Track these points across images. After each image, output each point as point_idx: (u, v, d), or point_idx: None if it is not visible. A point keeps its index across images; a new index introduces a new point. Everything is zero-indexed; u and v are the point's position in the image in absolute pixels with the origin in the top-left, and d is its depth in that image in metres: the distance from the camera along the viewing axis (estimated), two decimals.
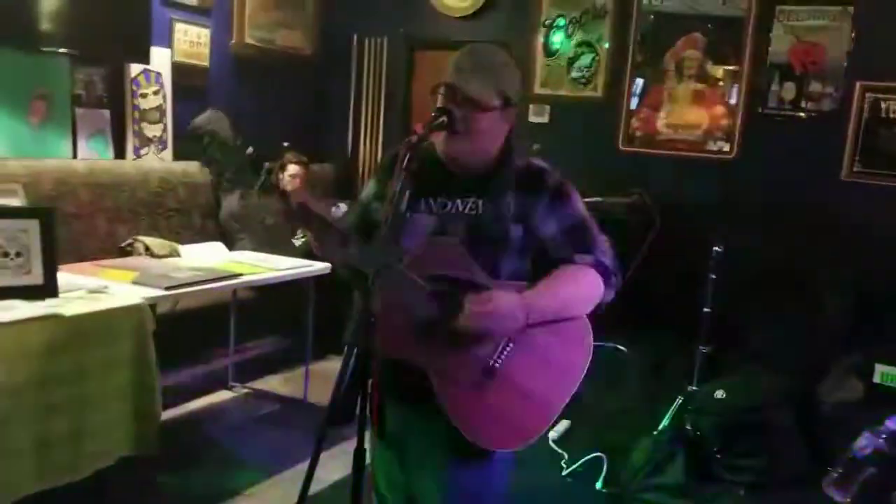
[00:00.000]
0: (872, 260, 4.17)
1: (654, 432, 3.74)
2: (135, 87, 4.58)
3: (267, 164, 1.97)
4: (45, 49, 4.02)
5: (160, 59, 4.67)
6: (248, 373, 4.63)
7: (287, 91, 5.58)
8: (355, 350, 1.66)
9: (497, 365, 1.82)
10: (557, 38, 5.16)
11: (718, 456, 3.53)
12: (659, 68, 4.90)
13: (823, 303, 4.12)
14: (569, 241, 1.88)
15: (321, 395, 4.36)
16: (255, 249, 4.56)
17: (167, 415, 3.34)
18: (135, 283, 3.33)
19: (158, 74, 4.69)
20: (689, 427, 3.70)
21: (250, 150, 1.93)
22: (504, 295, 1.79)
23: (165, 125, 4.78)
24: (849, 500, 2.62)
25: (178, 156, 4.85)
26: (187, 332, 4.09)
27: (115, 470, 2.99)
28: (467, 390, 1.83)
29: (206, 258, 4.09)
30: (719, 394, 3.69)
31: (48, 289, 2.91)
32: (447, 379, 1.84)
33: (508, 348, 1.83)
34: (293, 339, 4.78)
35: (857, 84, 4.39)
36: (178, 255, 4.13)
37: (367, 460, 1.76)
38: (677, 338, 4.14)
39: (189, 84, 4.91)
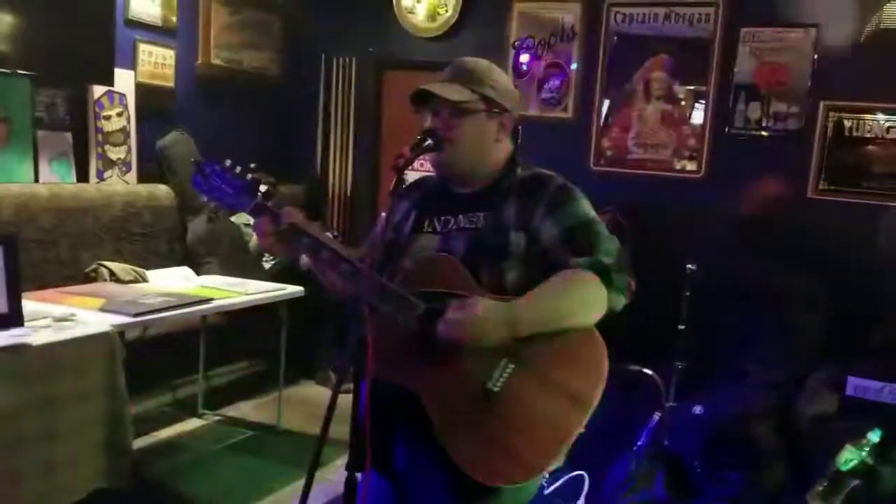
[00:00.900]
0: (842, 274, 4.23)
1: (634, 449, 3.74)
2: (98, 109, 4.49)
3: (263, 187, 1.91)
4: (4, 71, 3.92)
5: (124, 80, 4.58)
6: (219, 400, 4.54)
7: (255, 112, 5.53)
8: (360, 383, 1.59)
9: (495, 388, 1.70)
10: (527, 59, 5.18)
11: (698, 471, 3.53)
12: (627, 89, 4.95)
13: (796, 318, 4.16)
14: (568, 244, 1.77)
15: (295, 420, 4.29)
16: (222, 273, 4.48)
17: (137, 444, 3.25)
18: (102, 310, 3.25)
19: (122, 96, 4.61)
20: (667, 443, 3.70)
21: (239, 168, 1.88)
22: (484, 301, 1.70)
23: (130, 147, 4.69)
24: None
25: (142, 178, 4.76)
26: (156, 359, 4.01)
27: (86, 503, 2.89)
28: (463, 416, 1.71)
29: (174, 283, 4.01)
30: (697, 409, 3.70)
31: (13, 318, 2.83)
32: (442, 403, 1.73)
33: (508, 369, 1.71)
34: (265, 364, 4.71)
35: (821, 104, 4.46)
36: (144, 280, 4.05)
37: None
38: (653, 354, 4.14)
39: (154, 105, 4.83)
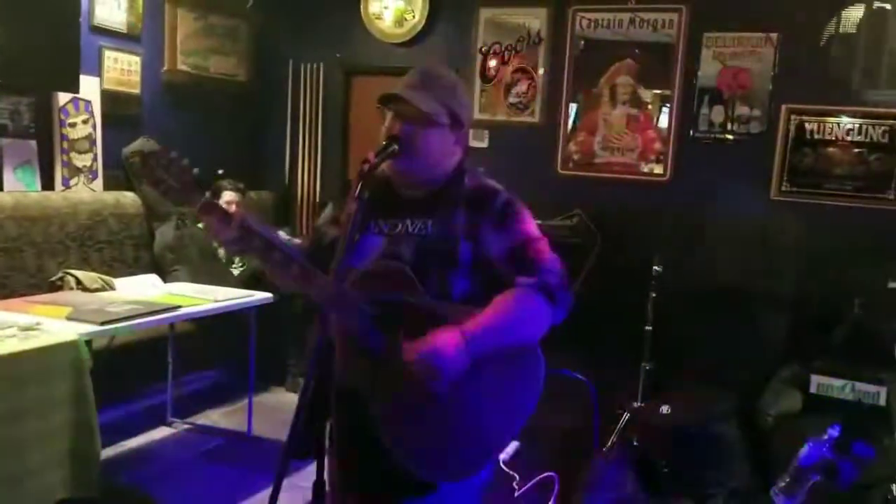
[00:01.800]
0: (804, 275, 4.32)
1: (603, 449, 3.78)
2: (63, 116, 4.45)
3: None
4: None
5: (90, 87, 4.55)
6: (188, 407, 4.51)
7: (222, 118, 5.51)
8: (312, 379, 1.63)
9: (442, 391, 1.76)
10: (494, 65, 5.22)
11: (666, 470, 3.58)
12: (594, 93, 5.00)
13: (760, 318, 4.24)
14: (513, 262, 1.82)
15: (266, 427, 4.27)
16: (191, 280, 4.46)
17: (105, 453, 3.21)
18: (69, 318, 3.23)
19: (88, 103, 4.57)
20: (636, 443, 3.75)
21: (196, 170, 1.86)
22: (441, 335, 1.73)
23: (96, 155, 4.65)
24: None
25: (109, 186, 4.72)
26: (123, 368, 3.97)
27: None
28: (407, 415, 1.79)
29: (141, 291, 3.98)
30: (664, 409, 3.75)
31: None
32: (387, 403, 1.80)
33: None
34: (234, 371, 4.68)
35: (783, 107, 4.55)
36: (111, 288, 4.02)
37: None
38: (620, 355, 4.20)
39: (120, 112, 4.80)
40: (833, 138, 4.49)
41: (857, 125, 4.43)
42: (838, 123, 4.46)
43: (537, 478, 3.64)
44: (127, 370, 4.05)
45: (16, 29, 4.00)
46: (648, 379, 4.04)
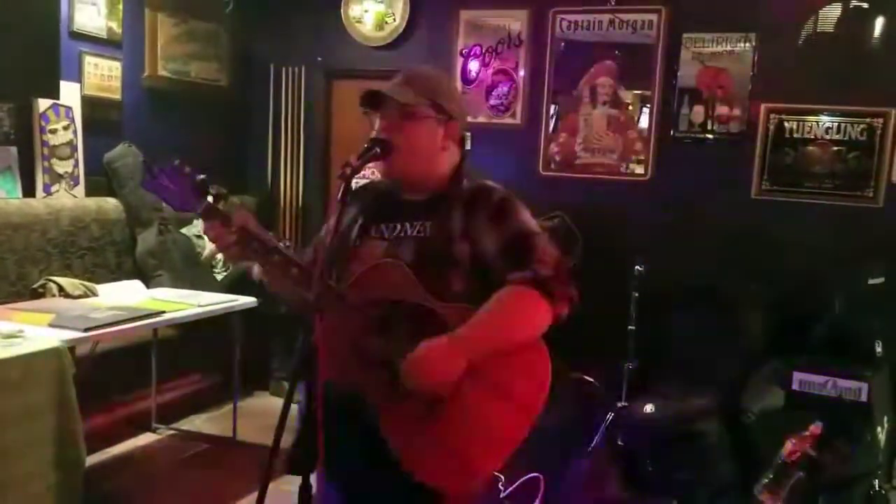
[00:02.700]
0: (785, 273, 4.35)
1: (588, 449, 3.80)
2: (43, 123, 4.42)
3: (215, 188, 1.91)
4: None
5: (70, 93, 4.52)
6: (172, 413, 4.49)
7: (204, 123, 5.49)
8: (304, 389, 1.62)
9: (444, 394, 1.74)
10: (474, 67, 5.24)
11: (651, 469, 3.60)
12: (574, 95, 5.03)
13: (742, 316, 4.27)
14: (507, 257, 1.80)
15: (250, 432, 4.26)
16: (174, 285, 4.45)
17: (89, 461, 3.19)
18: (51, 325, 3.21)
19: (69, 109, 4.54)
20: (620, 442, 3.77)
21: (202, 176, 1.89)
22: (432, 344, 1.73)
23: (77, 161, 4.63)
24: None
25: (90, 192, 4.70)
26: (107, 374, 3.95)
27: None
28: (411, 419, 1.76)
29: (124, 297, 3.97)
30: (648, 408, 3.78)
31: None
32: (390, 406, 1.78)
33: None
34: (219, 377, 4.67)
35: (762, 106, 4.59)
36: (94, 294, 4.01)
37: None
38: (604, 355, 4.21)
39: (101, 118, 4.77)
40: (812, 137, 4.53)
41: (835, 124, 4.47)
42: (817, 122, 4.51)
43: (522, 479, 3.65)
44: (110, 376, 4.03)
45: None
46: (632, 378, 4.06)
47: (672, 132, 4.83)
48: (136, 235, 4.76)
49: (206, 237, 4.82)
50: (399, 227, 1.89)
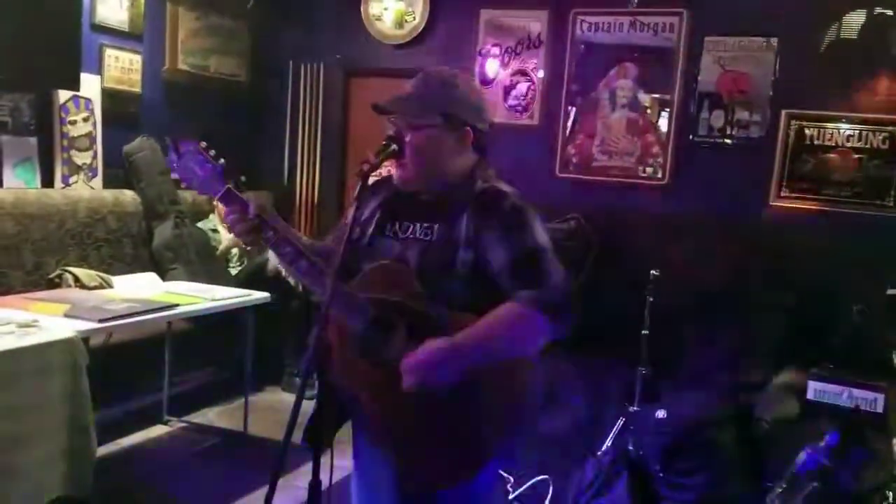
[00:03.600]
0: (802, 280, 4.31)
1: (598, 453, 3.77)
2: (63, 114, 4.45)
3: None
4: None
5: (90, 85, 4.55)
6: (184, 406, 4.50)
7: (221, 117, 5.50)
8: (316, 377, 1.64)
9: (435, 395, 1.76)
10: (493, 67, 5.22)
11: (661, 475, 3.57)
12: (593, 97, 5.00)
13: (758, 323, 4.23)
14: (515, 274, 1.77)
15: (262, 427, 4.27)
16: (188, 279, 4.46)
17: (100, 452, 3.21)
18: (66, 316, 3.23)
19: (88, 101, 4.57)
20: (631, 447, 3.74)
21: (222, 161, 1.95)
22: (431, 348, 1.73)
23: (95, 152, 4.65)
24: None
25: (108, 184, 4.72)
26: (120, 366, 3.96)
27: None
28: (400, 420, 1.80)
29: (139, 289, 3.99)
30: (660, 414, 3.75)
31: None
32: (382, 406, 1.82)
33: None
34: (231, 370, 4.68)
35: (783, 112, 4.55)
36: (109, 286, 4.02)
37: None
38: (617, 360, 4.19)
39: (120, 111, 4.80)
40: (833, 144, 4.49)
41: (856, 131, 4.43)
42: (838, 129, 4.47)
43: (531, 481, 3.64)
44: (124, 368, 4.04)
45: (17, 27, 4.00)
46: (644, 383, 4.03)
47: (691, 136, 4.80)
48: (153, 228, 4.78)
49: (220, 229, 4.87)
50: (410, 227, 1.89)
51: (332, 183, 5.82)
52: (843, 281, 4.24)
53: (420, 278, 1.80)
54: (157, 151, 4.85)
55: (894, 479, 3.18)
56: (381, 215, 1.95)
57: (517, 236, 1.78)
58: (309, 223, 5.81)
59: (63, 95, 4.42)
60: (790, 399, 3.71)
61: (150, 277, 4.31)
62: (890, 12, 4.32)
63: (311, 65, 5.74)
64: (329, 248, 1.99)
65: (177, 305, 3.67)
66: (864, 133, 4.42)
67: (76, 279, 3.95)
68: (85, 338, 3.10)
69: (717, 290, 4.35)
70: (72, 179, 4.52)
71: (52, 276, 4.02)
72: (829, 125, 4.49)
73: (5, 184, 4.14)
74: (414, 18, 5.42)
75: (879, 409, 3.56)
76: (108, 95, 4.70)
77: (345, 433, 1.96)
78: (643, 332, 4.05)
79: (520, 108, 5.19)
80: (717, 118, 4.74)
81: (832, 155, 4.50)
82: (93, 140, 4.63)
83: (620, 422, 3.93)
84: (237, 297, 4.05)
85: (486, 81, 5.24)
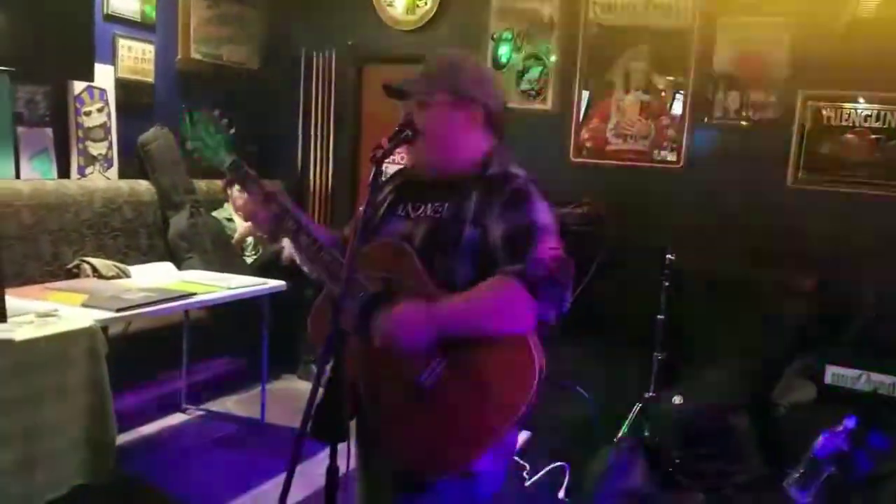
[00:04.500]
0: (821, 264, 4.27)
1: (615, 440, 3.77)
2: (78, 105, 4.47)
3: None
4: None
5: (104, 75, 4.56)
6: (202, 394, 4.54)
7: (234, 106, 5.49)
8: (330, 365, 1.63)
9: (426, 383, 1.75)
10: (505, 51, 5.19)
11: (678, 461, 3.57)
12: (606, 80, 4.97)
13: (775, 307, 4.21)
14: (506, 248, 1.76)
15: (278, 415, 4.30)
16: (204, 268, 4.48)
17: (119, 439, 3.24)
18: (85, 305, 3.25)
19: (103, 91, 4.58)
20: (647, 433, 3.74)
21: (225, 121, 2.01)
22: (408, 305, 1.73)
23: (110, 143, 4.67)
24: (810, 499, 2.68)
25: (123, 174, 4.75)
26: (138, 354, 3.99)
27: (68, 499, 2.89)
28: (394, 408, 1.80)
29: (156, 278, 4.01)
30: (677, 399, 3.74)
31: None
32: (376, 394, 1.82)
33: (440, 366, 1.75)
34: (248, 359, 4.70)
35: (799, 93, 4.50)
36: (127, 275, 4.05)
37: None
38: (633, 345, 4.18)
39: (134, 101, 4.81)
40: (850, 125, 4.44)
41: (874, 112, 4.38)
42: (855, 110, 4.41)
43: (548, 468, 3.65)
44: (142, 357, 4.07)
45: (31, 18, 4.01)
46: (660, 369, 4.02)
47: (706, 118, 4.76)
48: (168, 218, 4.80)
49: (235, 217, 4.88)
50: (422, 207, 1.89)
51: (345, 170, 5.82)
52: (862, 264, 4.21)
53: (425, 254, 1.81)
54: (171, 141, 4.87)
55: None
56: (394, 197, 1.97)
57: (515, 213, 1.78)
58: (322, 211, 5.82)
59: (78, 86, 4.44)
60: (808, 384, 3.69)
61: (167, 267, 4.34)
62: None
63: (323, 52, 5.73)
64: (344, 238, 2.00)
65: (194, 294, 3.69)
66: (881, 113, 4.36)
67: (94, 269, 3.98)
68: (104, 327, 3.12)
69: (734, 274, 4.32)
70: (87, 170, 4.54)
71: (69, 266, 4.05)
72: (847, 105, 4.43)
73: (22, 175, 4.17)
74: (425, 4, 5.39)
75: None
76: (122, 86, 4.72)
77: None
78: (659, 316, 4.04)
79: (532, 92, 5.16)
80: (733, 100, 4.70)
81: (850, 136, 4.44)
82: (107, 130, 4.65)
83: (637, 408, 3.93)
84: (253, 285, 4.07)
85: (498, 66, 5.21)
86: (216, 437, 4.15)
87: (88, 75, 4.39)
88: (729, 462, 3.49)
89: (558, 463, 3.66)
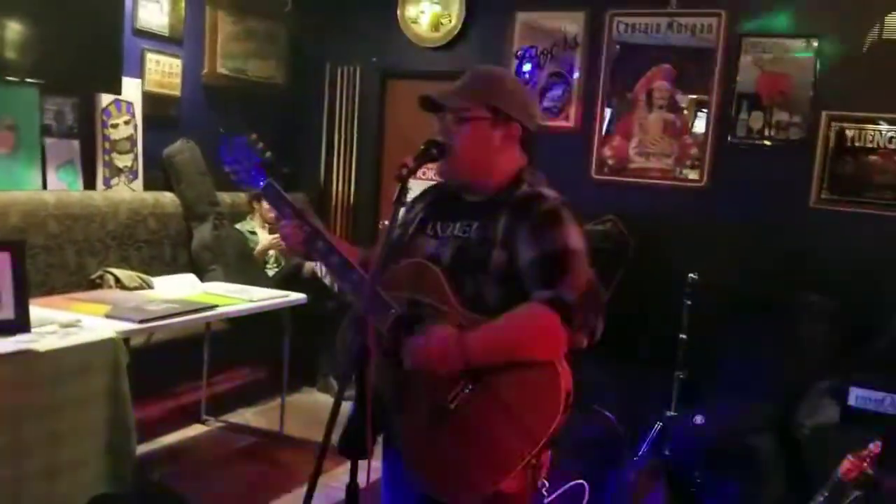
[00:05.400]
0: (844, 284, 4.23)
1: (635, 459, 3.74)
2: (105, 117, 4.53)
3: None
4: (12, 79, 3.96)
5: (131, 88, 4.62)
6: (221, 406, 4.55)
7: (259, 121, 5.53)
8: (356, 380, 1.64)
9: (451, 406, 1.74)
10: (529, 69, 5.21)
11: (699, 481, 3.54)
12: (629, 98, 4.97)
13: (798, 327, 4.17)
14: (537, 273, 1.74)
15: (298, 427, 4.30)
16: (226, 280, 4.51)
17: (139, 450, 3.25)
18: (107, 316, 3.27)
19: (130, 104, 4.64)
20: (668, 453, 3.71)
21: (261, 145, 2.07)
22: (440, 331, 1.72)
23: (136, 155, 4.73)
24: None
25: (148, 186, 4.80)
26: (160, 365, 4.02)
27: None
28: (421, 430, 1.78)
29: (179, 290, 4.03)
30: (698, 419, 3.71)
31: (20, 324, 2.84)
32: (404, 414, 1.81)
33: (466, 391, 1.74)
34: (268, 371, 4.72)
35: (823, 114, 4.48)
36: (149, 286, 4.08)
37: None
38: (654, 364, 4.16)
39: (160, 114, 4.87)
40: (874, 146, 4.41)
41: None
42: (879, 131, 4.39)
43: (567, 485, 3.62)
44: (163, 368, 4.10)
45: (61, 31, 4.08)
46: (682, 388, 4.00)
47: (729, 138, 4.74)
48: (192, 229, 4.84)
49: (258, 230, 4.92)
50: (450, 226, 1.88)
51: (369, 185, 5.84)
52: (885, 285, 4.17)
53: (453, 276, 1.79)
54: (196, 154, 4.92)
55: None
56: (423, 216, 1.96)
57: (545, 237, 1.76)
58: (345, 225, 5.85)
59: (105, 99, 4.50)
60: (831, 405, 3.64)
61: (190, 278, 4.36)
62: None
63: (347, 67, 5.78)
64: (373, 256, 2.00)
65: (216, 306, 3.71)
66: None
67: (117, 280, 4.01)
68: (126, 338, 3.14)
69: (757, 294, 4.28)
70: (113, 181, 4.60)
71: (93, 276, 4.09)
72: (871, 126, 4.41)
73: (49, 186, 4.22)
74: (450, 21, 5.42)
75: None
76: (149, 99, 4.77)
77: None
78: (681, 335, 4.02)
79: (555, 109, 5.17)
80: (756, 119, 4.68)
81: (874, 157, 4.42)
82: (133, 143, 4.70)
83: (658, 427, 3.90)
84: (274, 297, 4.08)
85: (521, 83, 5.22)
86: (235, 448, 4.16)
87: (116, 88, 4.46)
88: (751, 484, 3.45)
89: (578, 481, 3.63)
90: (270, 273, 4.95)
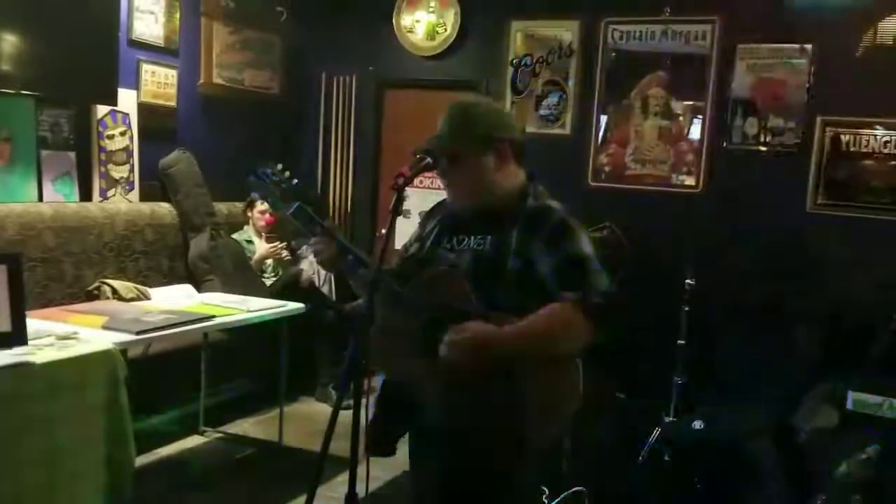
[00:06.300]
0: (841, 289, 4.24)
1: (634, 464, 3.74)
2: (101, 129, 4.53)
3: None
4: (8, 91, 3.96)
5: (127, 99, 4.62)
6: (220, 417, 4.54)
7: (256, 130, 5.56)
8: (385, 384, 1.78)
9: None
10: (524, 77, 5.22)
11: (698, 486, 3.54)
12: (625, 105, 4.98)
13: (796, 332, 4.18)
14: (559, 278, 1.89)
15: (296, 437, 4.30)
16: (224, 290, 4.51)
17: (137, 461, 3.24)
18: (105, 328, 3.27)
19: (126, 115, 4.64)
20: (667, 458, 3.70)
21: (288, 173, 2.16)
22: (475, 325, 1.86)
23: (132, 166, 4.73)
24: None
25: (145, 197, 4.80)
26: (158, 377, 4.01)
27: None
28: (460, 404, 1.89)
29: (176, 301, 4.03)
30: (697, 425, 3.71)
31: (17, 336, 2.83)
32: (444, 394, 1.91)
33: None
34: (266, 381, 4.71)
35: (818, 119, 4.49)
36: (147, 297, 4.08)
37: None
38: (653, 369, 4.16)
39: (156, 125, 4.87)
40: (870, 150, 4.43)
41: (893, 138, 4.36)
42: (874, 136, 4.40)
43: (567, 492, 3.61)
44: (161, 379, 4.09)
45: (56, 43, 4.09)
46: (681, 394, 4.00)
47: (724, 144, 4.76)
48: (189, 240, 4.84)
49: (255, 240, 4.92)
50: (466, 240, 2.03)
51: (365, 194, 5.85)
52: (882, 289, 4.17)
53: (472, 283, 1.93)
54: (192, 164, 4.92)
55: None
56: (438, 231, 2.11)
57: (560, 247, 1.92)
58: (342, 234, 5.84)
59: (101, 110, 4.50)
60: (829, 409, 3.65)
61: (187, 289, 4.37)
62: None
63: (343, 77, 5.79)
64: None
65: (213, 316, 3.71)
66: None
67: (114, 291, 4.01)
68: (123, 349, 3.14)
69: (754, 299, 4.29)
70: (109, 193, 4.60)
71: (90, 288, 4.09)
72: (866, 131, 4.42)
73: (45, 198, 4.22)
74: (445, 30, 5.44)
75: None
76: (145, 110, 4.78)
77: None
78: (679, 341, 4.03)
79: (551, 117, 5.19)
80: (751, 125, 4.70)
81: (869, 161, 4.43)
82: (130, 154, 4.70)
83: (656, 432, 3.90)
84: (272, 308, 4.08)
85: (517, 92, 5.24)
86: (234, 459, 4.15)
87: (112, 100, 4.46)
88: (750, 489, 3.45)
89: (577, 487, 3.63)
90: (268, 282, 4.95)
